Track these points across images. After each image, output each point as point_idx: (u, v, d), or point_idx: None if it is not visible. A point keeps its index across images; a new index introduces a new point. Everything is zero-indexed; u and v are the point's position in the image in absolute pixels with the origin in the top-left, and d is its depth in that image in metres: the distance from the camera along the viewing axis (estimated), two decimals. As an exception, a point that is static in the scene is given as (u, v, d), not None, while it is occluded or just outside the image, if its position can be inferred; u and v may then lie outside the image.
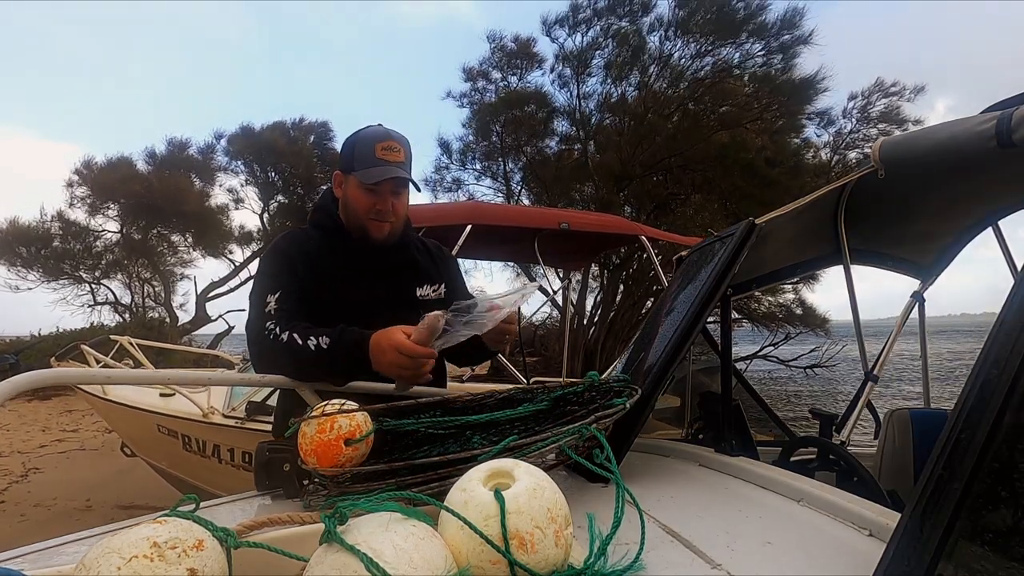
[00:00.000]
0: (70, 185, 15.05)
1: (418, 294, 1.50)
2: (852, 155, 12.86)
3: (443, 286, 1.55)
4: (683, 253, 1.98)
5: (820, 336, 13.97)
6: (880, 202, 1.75)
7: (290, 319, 1.27)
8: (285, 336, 1.23)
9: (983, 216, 1.83)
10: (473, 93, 13.16)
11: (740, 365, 13.39)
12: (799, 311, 13.56)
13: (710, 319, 1.48)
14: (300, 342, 1.21)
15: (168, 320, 15.92)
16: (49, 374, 1.03)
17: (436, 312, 1.15)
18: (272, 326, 1.25)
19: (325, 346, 1.20)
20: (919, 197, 1.69)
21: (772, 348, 14.33)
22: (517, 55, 12.80)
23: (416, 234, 1.61)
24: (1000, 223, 1.81)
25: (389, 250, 1.48)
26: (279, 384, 1.29)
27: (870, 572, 0.62)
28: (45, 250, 15.01)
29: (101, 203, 15.31)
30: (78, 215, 15.35)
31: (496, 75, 12.98)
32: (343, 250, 1.44)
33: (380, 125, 1.43)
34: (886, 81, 12.56)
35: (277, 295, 1.31)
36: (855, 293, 2.06)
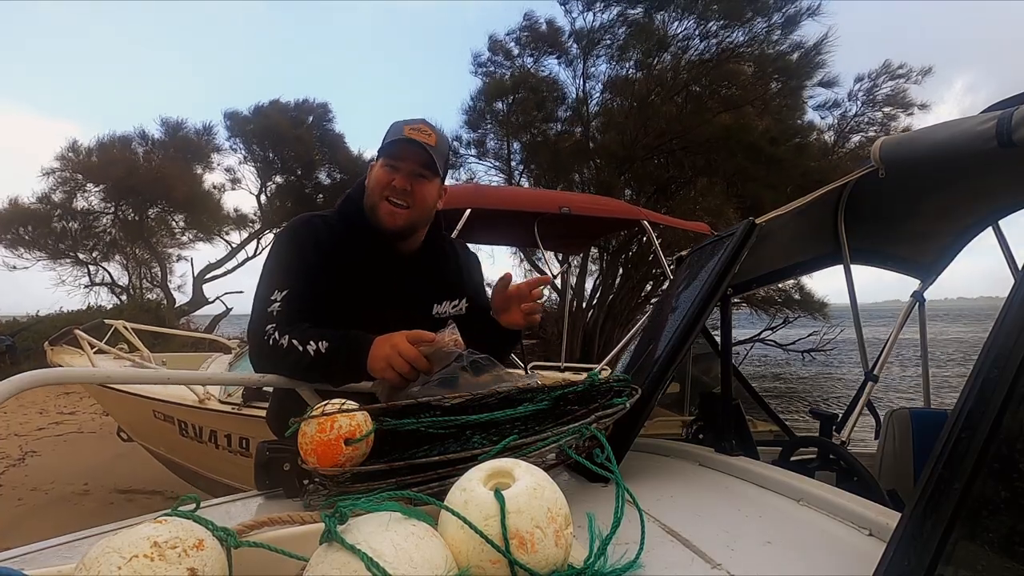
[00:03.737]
0: (50, 173, 14.86)
1: (433, 311, 1.43)
2: (856, 139, 12.69)
3: (464, 301, 1.48)
4: (683, 253, 1.98)
5: (819, 320, 13.88)
6: (880, 202, 1.76)
7: (291, 321, 1.25)
8: (284, 341, 1.21)
9: (983, 216, 1.83)
10: (489, 65, 12.93)
11: (739, 349, 13.39)
12: (797, 296, 13.39)
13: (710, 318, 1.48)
14: (300, 348, 1.19)
15: (165, 302, 15.79)
16: (49, 374, 1.03)
17: (457, 337, 1.14)
18: (272, 329, 1.23)
19: (324, 350, 1.19)
20: (919, 197, 1.69)
21: (770, 332, 14.31)
22: (544, 38, 12.55)
23: (446, 240, 1.54)
24: (1000, 223, 1.82)
25: (413, 255, 1.42)
26: (278, 384, 1.29)
27: (870, 572, 0.62)
28: (43, 230, 14.82)
29: (84, 186, 15.05)
30: (61, 197, 15.12)
31: (516, 51, 12.75)
32: (362, 241, 1.37)
33: (422, 118, 1.37)
34: (893, 63, 12.30)
35: (284, 293, 1.27)
36: (855, 292, 2.06)
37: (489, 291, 1.53)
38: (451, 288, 1.47)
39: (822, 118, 12.78)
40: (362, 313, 1.32)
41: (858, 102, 12.52)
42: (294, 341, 1.20)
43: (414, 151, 1.31)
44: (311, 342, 1.19)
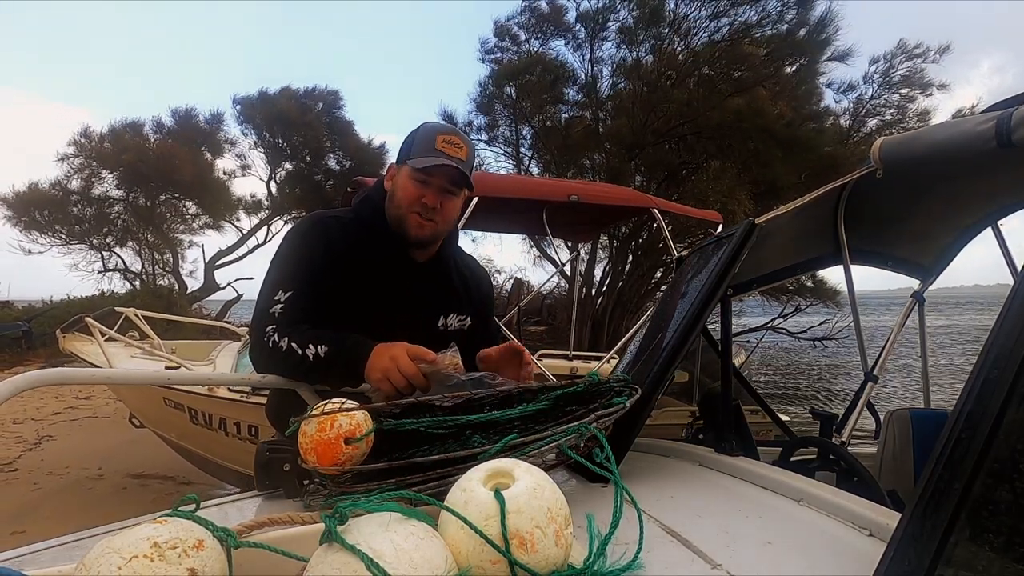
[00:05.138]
0: (64, 159, 14.90)
1: (439, 323, 1.42)
2: (872, 122, 12.44)
3: (469, 319, 1.46)
4: (683, 253, 1.98)
5: (831, 308, 13.66)
6: (880, 202, 1.76)
7: (292, 323, 1.24)
8: (284, 344, 1.20)
9: (983, 216, 1.83)
10: (496, 51, 12.77)
11: (752, 337, 13.35)
12: (810, 283, 13.06)
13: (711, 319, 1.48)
14: (299, 352, 1.19)
15: (177, 288, 15.81)
16: (50, 374, 1.03)
17: (457, 361, 1.14)
18: (272, 331, 1.23)
19: (323, 355, 1.18)
20: (919, 197, 1.69)
21: (781, 320, 14.27)
22: (548, 19, 12.34)
23: (460, 253, 1.53)
24: (1000, 223, 1.82)
25: (426, 264, 1.40)
26: (277, 384, 1.29)
27: (870, 572, 0.62)
28: (58, 215, 14.86)
29: (97, 173, 15.07)
30: (76, 184, 15.18)
31: (521, 35, 12.57)
32: (377, 246, 1.35)
33: (453, 127, 1.36)
34: (909, 43, 11.97)
35: (288, 295, 1.26)
36: (855, 293, 2.07)
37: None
38: (459, 302, 1.45)
39: (837, 101, 12.56)
40: (371, 315, 1.31)
41: (874, 84, 12.26)
42: (293, 344, 1.20)
43: (443, 166, 1.30)
44: (310, 345, 1.19)
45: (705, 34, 11.50)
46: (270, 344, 1.22)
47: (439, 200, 1.32)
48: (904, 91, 12.18)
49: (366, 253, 1.35)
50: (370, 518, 0.57)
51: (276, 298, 1.27)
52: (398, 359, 1.13)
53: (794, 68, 11.62)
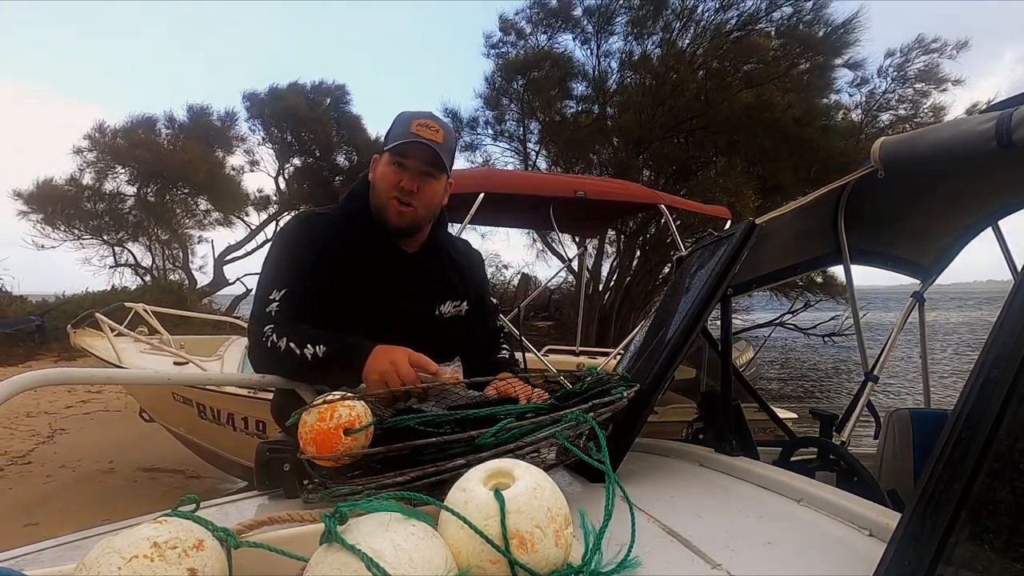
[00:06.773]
0: (79, 152, 15.04)
1: (437, 311, 1.41)
2: (885, 117, 12.32)
3: (465, 303, 1.46)
4: (683, 253, 1.98)
5: (840, 304, 13.53)
6: (880, 202, 1.75)
7: (289, 322, 1.24)
8: (282, 344, 1.21)
9: (983, 216, 1.83)
10: (501, 46, 12.78)
11: (760, 332, 13.29)
12: (819, 279, 12.95)
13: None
14: (297, 352, 1.19)
15: (187, 283, 15.96)
16: (52, 374, 1.03)
17: (459, 376, 1.13)
18: (270, 332, 1.23)
19: (321, 355, 1.18)
20: (919, 197, 1.69)
21: (791, 316, 14.21)
22: (556, 14, 12.31)
23: (449, 239, 1.52)
24: (1000, 223, 1.82)
25: (416, 254, 1.40)
26: (277, 384, 1.29)
27: (870, 572, 0.62)
28: (71, 210, 14.99)
29: (110, 168, 15.21)
30: (88, 179, 15.36)
31: (528, 29, 12.57)
32: (365, 241, 1.35)
33: (429, 112, 1.36)
34: (927, 37, 11.84)
35: (282, 293, 1.27)
36: (854, 293, 2.07)
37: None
38: (453, 288, 1.45)
39: (850, 96, 12.43)
40: (358, 308, 1.31)
41: (888, 79, 12.12)
42: (291, 344, 1.20)
43: (422, 151, 1.30)
44: (308, 345, 1.19)
45: (713, 25, 11.38)
46: (268, 344, 1.22)
47: (416, 183, 1.32)
48: (918, 85, 12.01)
49: (355, 249, 1.35)
50: (370, 518, 0.57)
51: (271, 297, 1.27)
52: (398, 364, 1.12)
53: (807, 66, 11.48)
